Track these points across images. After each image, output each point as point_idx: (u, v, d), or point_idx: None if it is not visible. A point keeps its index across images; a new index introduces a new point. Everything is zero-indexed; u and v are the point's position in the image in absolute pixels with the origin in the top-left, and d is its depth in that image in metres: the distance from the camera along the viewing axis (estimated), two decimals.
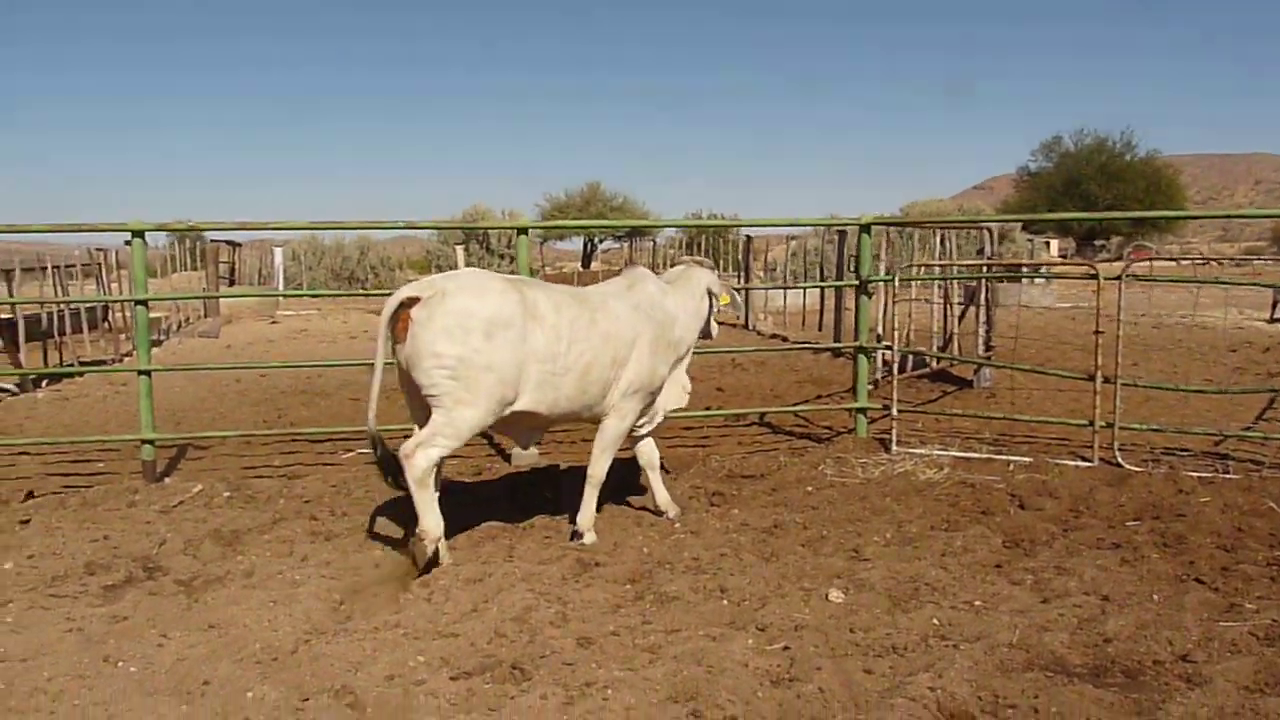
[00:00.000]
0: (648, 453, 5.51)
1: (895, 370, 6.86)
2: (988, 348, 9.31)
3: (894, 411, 6.68)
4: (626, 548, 4.89)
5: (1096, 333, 6.11)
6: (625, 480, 6.13)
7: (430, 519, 4.60)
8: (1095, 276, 6.25)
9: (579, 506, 5.11)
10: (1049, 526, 5.08)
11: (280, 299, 19.01)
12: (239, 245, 23.39)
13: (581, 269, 37.90)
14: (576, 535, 5.06)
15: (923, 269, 9.41)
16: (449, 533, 5.12)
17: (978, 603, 4.07)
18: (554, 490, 5.95)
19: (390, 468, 4.71)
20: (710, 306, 5.49)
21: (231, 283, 21.93)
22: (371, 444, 4.73)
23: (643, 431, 5.40)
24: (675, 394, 5.44)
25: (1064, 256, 47.55)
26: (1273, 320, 16.34)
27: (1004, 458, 6.40)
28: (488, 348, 4.43)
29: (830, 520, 5.29)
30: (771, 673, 3.42)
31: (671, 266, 5.69)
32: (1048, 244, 51.51)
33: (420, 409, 4.70)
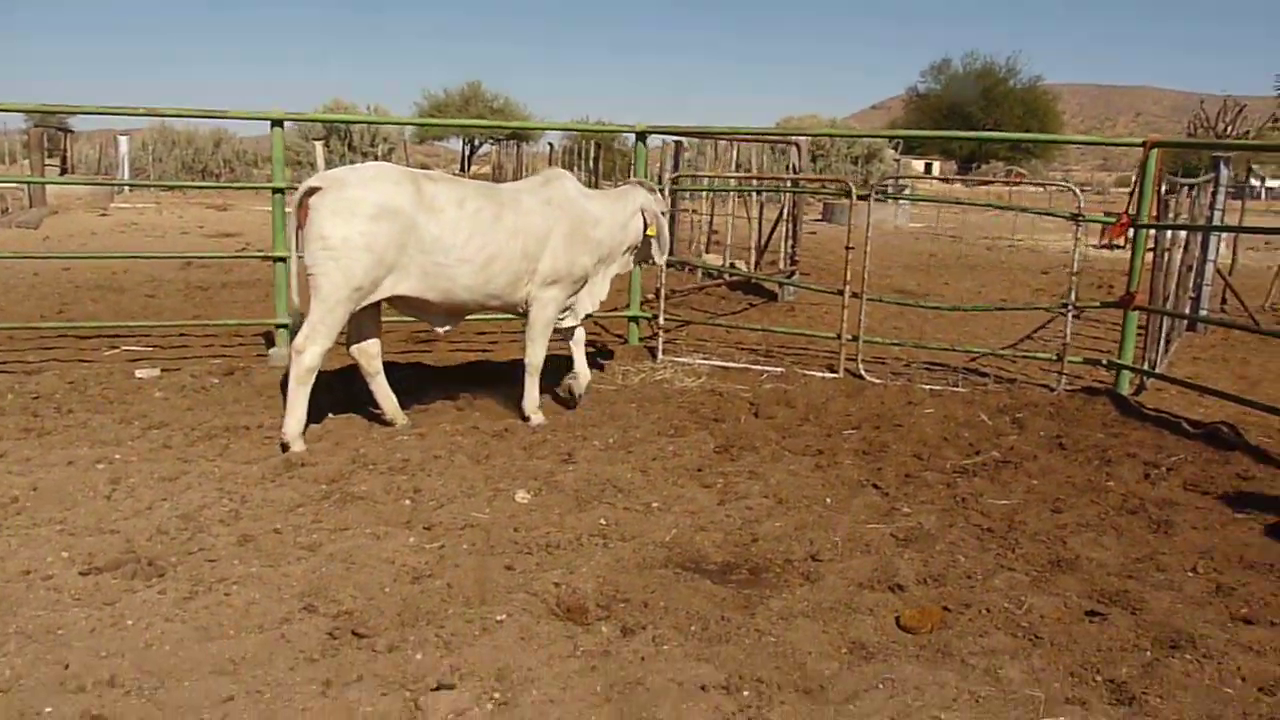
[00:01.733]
0: (577, 335, 5.70)
1: (663, 280, 6.91)
2: (792, 262, 9.47)
3: (661, 321, 6.76)
4: (345, 448, 4.86)
5: (848, 249, 6.26)
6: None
7: (293, 421, 4.74)
8: (849, 194, 6.38)
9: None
10: (769, 434, 5.26)
11: (114, 190, 17.99)
12: (72, 132, 22.00)
13: (460, 171, 37.02)
14: (525, 419, 5.35)
15: (701, 179, 9.44)
16: (173, 429, 5.04)
17: (655, 504, 4.19)
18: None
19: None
20: (644, 226, 5.61)
21: (63, 172, 20.68)
22: (294, 328, 4.87)
23: (564, 324, 5.56)
24: (593, 297, 5.63)
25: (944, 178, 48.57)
26: (1100, 246, 17.06)
27: (759, 368, 6.57)
28: (370, 229, 4.63)
29: (563, 425, 5.36)
30: (414, 569, 3.47)
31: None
32: (929, 165, 52.63)
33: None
